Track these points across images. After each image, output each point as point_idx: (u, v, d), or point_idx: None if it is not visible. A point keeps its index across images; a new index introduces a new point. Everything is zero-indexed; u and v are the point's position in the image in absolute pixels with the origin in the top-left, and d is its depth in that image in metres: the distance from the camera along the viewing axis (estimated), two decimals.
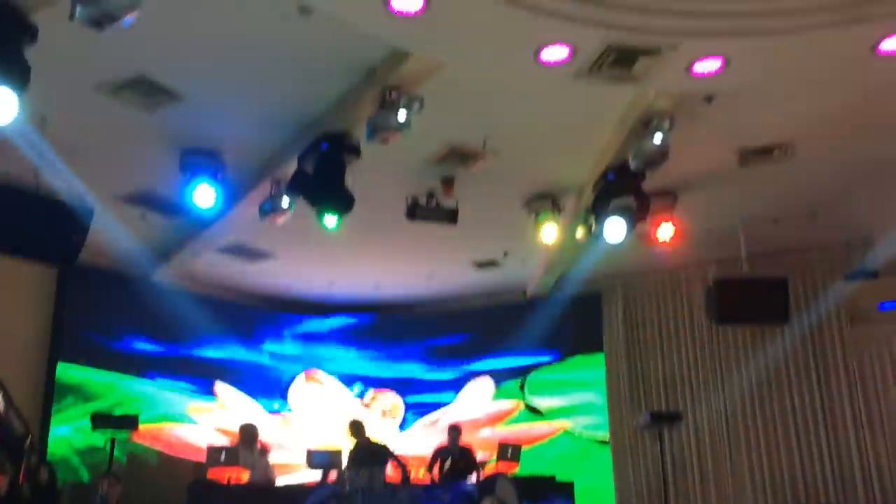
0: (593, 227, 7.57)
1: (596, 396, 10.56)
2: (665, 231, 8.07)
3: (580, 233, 7.95)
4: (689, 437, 9.81)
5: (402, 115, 5.91)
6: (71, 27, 4.50)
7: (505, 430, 10.81)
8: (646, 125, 6.37)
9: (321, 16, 5.12)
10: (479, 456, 9.75)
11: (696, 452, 9.79)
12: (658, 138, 6.32)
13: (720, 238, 8.76)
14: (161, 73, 5.81)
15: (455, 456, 9.11)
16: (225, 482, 7.75)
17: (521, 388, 11.00)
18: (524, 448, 9.56)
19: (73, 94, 5.94)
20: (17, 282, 8.18)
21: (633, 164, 6.57)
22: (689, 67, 5.71)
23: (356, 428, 8.85)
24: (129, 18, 4.49)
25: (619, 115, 6.53)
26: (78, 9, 4.43)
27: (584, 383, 10.68)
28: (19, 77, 4.77)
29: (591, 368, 10.67)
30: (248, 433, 8.66)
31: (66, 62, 5.49)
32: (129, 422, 7.92)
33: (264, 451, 8.91)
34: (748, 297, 8.55)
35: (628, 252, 8.28)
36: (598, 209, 7.32)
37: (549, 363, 10.90)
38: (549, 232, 8.07)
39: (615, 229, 7.13)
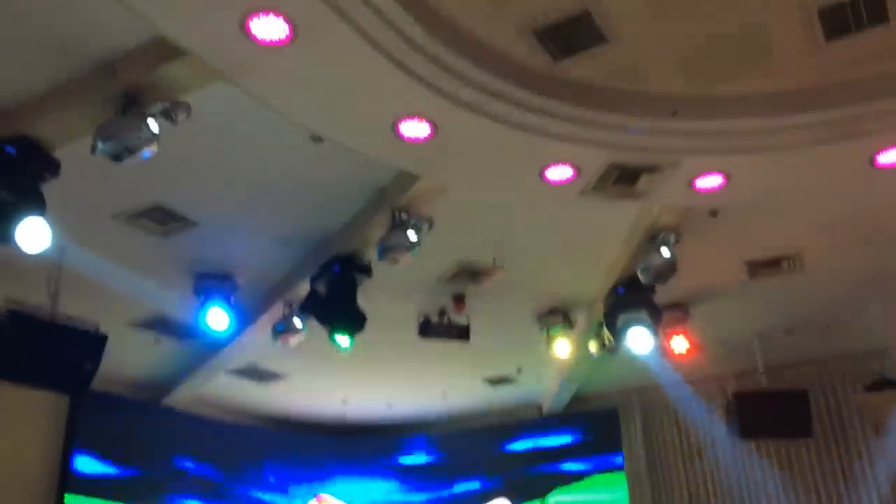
0: (607, 342, 7.52)
1: None
2: (679, 344, 8.01)
3: (594, 347, 7.90)
4: None
5: (411, 235, 6.01)
6: (91, 159, 4.68)
7: None
8: (652, 239, 6.44)
9: (332, 143, 5.31)
10: None
11: None
12: (665, 252, 6.37)
13: (736, 350, 8.67)
14: (176, 202, 5.99)
15: None
16: None
17: None
18: None
19: (91, 222, 6.10)
20: (29, 410, 8.12)
21: (642, 278, 6.59)
22: (691, 183, 5.83)
23: None
24: (148, 151, 4.67)
25: (626, 230, 6.61)
26: (99, 144, 4.62)
27: (607, 503, 10.31)
28: (38, 208, 4.94)
29: (613, 487, 10.33)
30: None
31: (85, 192, 5.68)
32: None
33: None
34: (769, 411, 8.38)
35: (644, 366, 8.18)
36: (610, 323, 7.30)
37: (568, 482, 10.56)
38: (562, 347, 8.03)
39: (641, 339, 7.07)
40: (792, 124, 5.36)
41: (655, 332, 7.10)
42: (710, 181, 5.83)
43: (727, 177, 5.77)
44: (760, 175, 5.80)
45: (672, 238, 6.35)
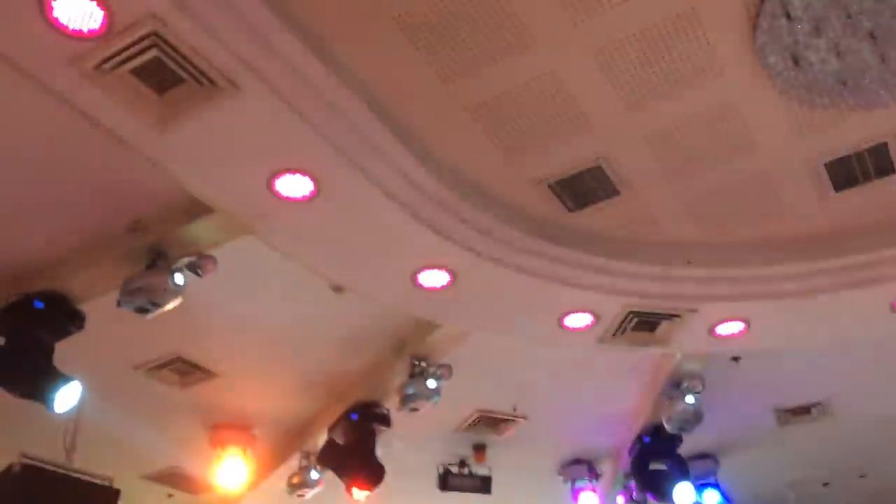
0: (634, 495, 7.25)
1: None
2: (710, 498, 7.66)
3: (621, 501, 7.60)
4: None
5: (431, 383, 5.96)
6: (115, 312, 4.76)
7: None
8: (676, 386, 6.34)
9: (352, 293, 5.38)
10: None
11: None
12: (690, 399, 6.25)
13: (770, 502, 8.28)
14: (197, 353, 6.03)
15: None
16: None
17: None
18: None
19: (113, 373, 6.12)
20: None
21: (668, 427, 6.43)
22: (711, 330, 5.81)
23: None
24: (172, 305, 4.76)
25: (649, 377, 6.52)
26: (125, 298, 4.71)
27: None
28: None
29: None
30: None
31: (108, 344, 5.72)
32: None
33: None
34: None
35: None
36: (638, 475, 7.06)
37: None
38: (588, 500, 7.71)
39: (683, 494, 6.88)
40: (809, 270, 5.39)
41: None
42: (730, 327, 5.81)
43: (747, 323, 5.74)
44: (781, 320, 5.78)
45: (696, 385, 6.25)
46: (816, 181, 4.92)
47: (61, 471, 5.89)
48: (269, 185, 4.31)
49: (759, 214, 5.21)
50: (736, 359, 6.18)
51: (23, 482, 5.62)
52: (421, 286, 5.26)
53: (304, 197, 4.43)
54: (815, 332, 5.90)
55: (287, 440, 7.18)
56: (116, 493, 6.10)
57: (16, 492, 5.58)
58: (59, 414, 5.19)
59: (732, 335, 5.85)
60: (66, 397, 5.15)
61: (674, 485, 6.90)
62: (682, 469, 6.84)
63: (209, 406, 6.67)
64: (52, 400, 5.10)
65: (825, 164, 4.79)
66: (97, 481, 6.05)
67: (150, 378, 6.22)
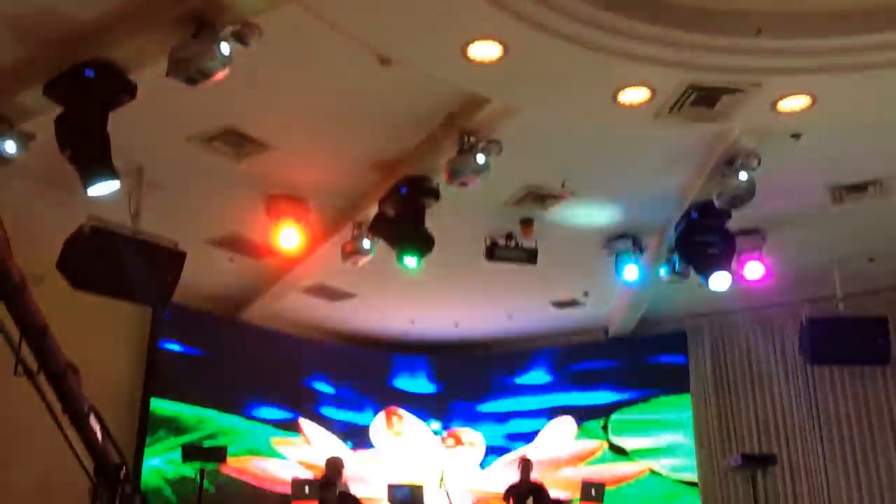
0: (677, 267, 7.41)
1: (683, 437, 10.23)
2: (754, 270, 7.80)
3: (664, 272, 7.79)
4: (785, 481, 9.38)
5: (480, 158, 5.96)
6: (166, 83, 4.74)
7: (588, 470, 10.57)
8: (730, 163, 6.23)
9: (401, 65, 5.24)
10: (562, 495, 9.59)
11: (793, 497, 9.33)
12: (744, 176, 6.16)
13: (813, 277, 8.43)
14: (249, 125, 6.05)
15: (524, 491, 8.98)
16: None
17: (604, 428, 10.76)
18: (608, 488, 9.36)
19: (168, 144, 6.24)
20: (115, 321, 8.54)
21: (717, 203, 6.41)
22: (774, 105, 5.57)
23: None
24: (221, 75, 4.71)
25: (703, 154, 6.40)
26: (172, 67, 4.67)
27: (670, 424, 10.36)
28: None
29: (677, 409, 10.36)
30: (334, 466, 8.82)
31: (161, 115, 5.78)
32: (218, 454, 8.12)
33: (345, 484, 9.01)
34: (845, 337, 8.20)
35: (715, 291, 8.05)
36: (683, 249, 7.17)
37: (632, 403, 10.64)
38: (631, 272, 7.94)
39: (720, 280, 7.05)
40: (882, 41, 5.01)
41: (724, 262, 6.97)
42: (794, 103, 5.55)
43: (813, 98, 5.48)
44: (849, 96, 5.50)
45: (752, 161, 6.12)
46: None
47: (129, 233, 6.22)
48: None
49: None
50: (796, 136, 5.97)
51: (92, 244, 5.95)
52: (471, 59, 5.09)
53: None
54: (884, 109, 5.63)
55: (340, 212, 7.40)
56: (182, 255, 6.47)
57: (86, 253, 5.92)
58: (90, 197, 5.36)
59: (796, 111, 5.61)
60: (104, 187, 5.30)
61: (718, 260, 6.99)
62: (728, 243, 6.91)
63: (264, 178, 6.83)
64: (92, 185, 5.24)
65: None
66: (164, 244, 6.41)
67: (204, 150, 6.32)
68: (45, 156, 5.37)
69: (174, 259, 6.50)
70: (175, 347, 9.28)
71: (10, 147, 5.53)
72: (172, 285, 6.58)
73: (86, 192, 5.26)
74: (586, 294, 9.60)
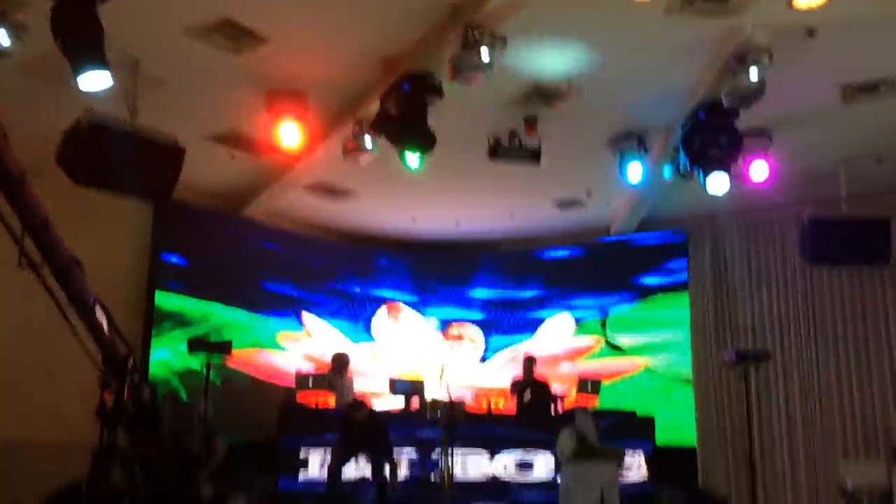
0: (682, 168, 7.35)
1: (679, 335, 10.42)
2: (758, 171, 7.74)
3: (668, 172, 7.73)
4: (777, 378, 9.60)
5: (484, 54, 5.81)
6: None
7: (585, 365, 10.84)
8: (741, 60, 6.06)
9: None
10: (560, 390, 9.86)
11: (784, 394, 9.58)
12: (754, 74, 6.01)
13: (818, 178, 8.36)
14: (246, 16, 5.87)
15: (528, 387, 9.27)
16: (312, 406, 8.28)
17: (602, 325, 10.95)
18: (604, 383, 9.61)
19: (164, 37, 6.07)
20: (117, 216, 8.54)
21: (725, 102, 6.29)
22: (789, 0, 5.37)
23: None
24: None
25: (713, 51, 6.23)
26: None
27: (667, 322, 10.52)
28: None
29: (675, 308, 10.50)
30: (340, 361, 9.07)
31: (156, 6, 5.60)
32: (224, 347, 8.27)
33: (349, 378, 9.27)
34: (846, 237, 8.18)
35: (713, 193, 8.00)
36: (688, 148, 7.09)
37: (631, 301, 10.79)
38: (635, 171, 7.87)
39: (718, 182, 6.98)
40: None
41: (729, 162, 6.90)
42: None
43: None
44: None
45: (764, 59, 5.95)
46: None
47: (128, 128, 6.13)
48: None
49: None
50: (811, 32, 5.79)
51: (90, 138, 5.86)
52: None
53: None
54: None
55: (341, 108, 7.27)
56: (182, 151, 6.38)
57: (85, 149, 5.85)
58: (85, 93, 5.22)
59: (812, 6, 5.42)
60: (95, 77, 5.16)
61: (722, 160, 6.93)
62: (734, 144, 6.82)
63: (264, 72, 6.66)
64: (82, 73, 5.11)
65: None
66: (163, 139, 6.32)
67: (202, 43, 6.15)
68: (43, 53, 5.22)
69: (173, 155, 6.41)
70: (173, 259, 9.31)
71: (3, 38, 5.39)
72: (172, 182, 6.51)
73: (77, 84, 5.12)
74: (589, 194, 9.56)
